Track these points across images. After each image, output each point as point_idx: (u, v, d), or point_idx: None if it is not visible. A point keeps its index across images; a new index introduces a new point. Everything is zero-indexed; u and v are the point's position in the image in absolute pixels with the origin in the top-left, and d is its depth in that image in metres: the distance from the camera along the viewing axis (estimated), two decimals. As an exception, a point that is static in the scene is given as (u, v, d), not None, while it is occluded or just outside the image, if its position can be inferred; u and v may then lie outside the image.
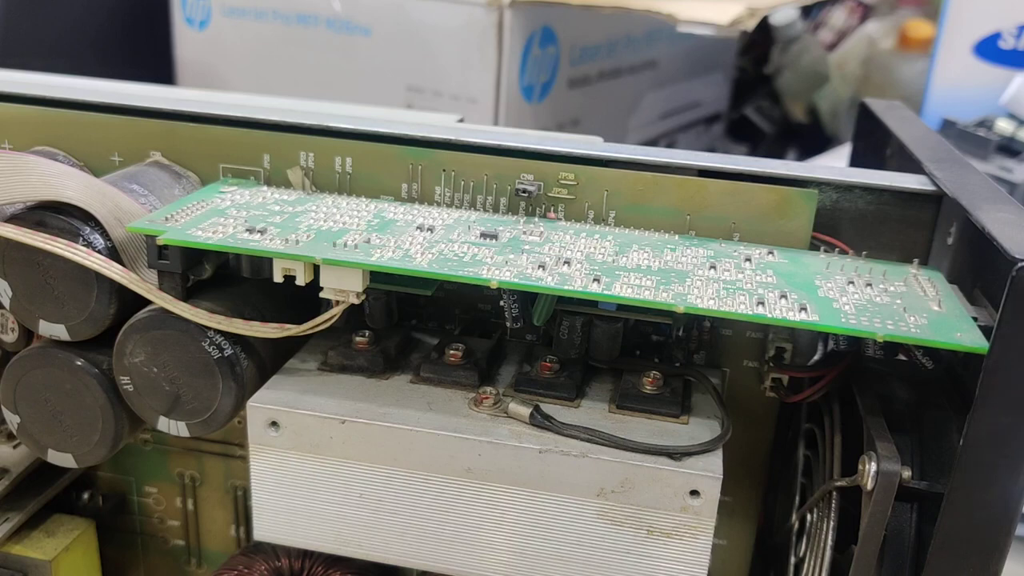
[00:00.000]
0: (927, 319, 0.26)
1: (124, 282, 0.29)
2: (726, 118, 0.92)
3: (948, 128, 0.64)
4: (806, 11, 0.93)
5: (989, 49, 0.69)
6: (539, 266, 0.28)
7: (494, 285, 0.27)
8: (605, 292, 0.26)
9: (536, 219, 0.32)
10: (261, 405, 0.30)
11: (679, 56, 0.79)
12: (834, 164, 0.59)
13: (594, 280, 0.27)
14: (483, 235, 0.30)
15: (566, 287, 0.26)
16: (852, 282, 0.28)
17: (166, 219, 0.29)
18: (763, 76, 0.96)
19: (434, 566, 0.30)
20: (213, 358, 0.30)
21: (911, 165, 0.34)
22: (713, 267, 0.29)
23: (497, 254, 0.28)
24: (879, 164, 0.41)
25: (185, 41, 0.73)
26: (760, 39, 0.94)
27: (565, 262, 0.28)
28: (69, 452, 0.32)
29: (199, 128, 0.34)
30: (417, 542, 0.30)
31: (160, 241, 0.28)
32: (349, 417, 0.29)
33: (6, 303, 0.31)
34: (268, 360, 0.32)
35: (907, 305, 0.27)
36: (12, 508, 0.36)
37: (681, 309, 0.26)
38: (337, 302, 0.29)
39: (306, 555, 0.35)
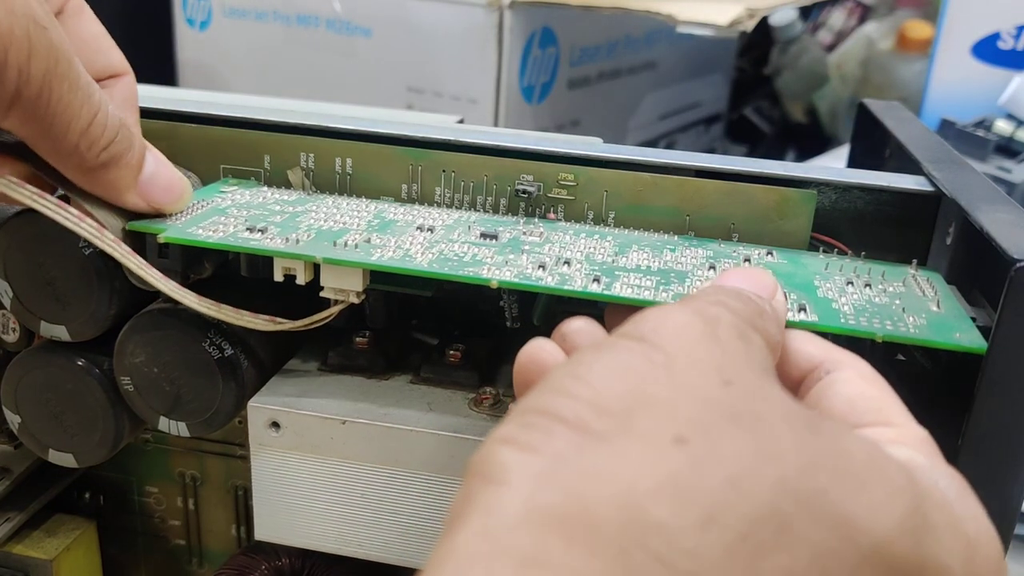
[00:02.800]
0: (926, 319, 0.26)
1: (117, 256, 0.28)
2: (725, 119, 0.92)
3: (947, 128, 0.64)
4: (805, 12, 0.93)
5: (988, 50, 0.69)
6: (539, 266, 0.27)
7: (494, 285, 0.27)
8: (605, 292, 0.26)
9: (536, 219, 0.32)
10: (262, 405, 0.30)
11: (678, 57, 0.79)
12: (833, 165, 0.59)
13: (594, 280, 0.27)
14: (483, 235, 0.29)
15: (566, 287, 0.26)
16: (851, 282, 0.28)
17: (166, 217, 0.29)
18: (762, 77, 0.96)
19: (434, 566, 0.30)
20: (213, 358, 0.30)
21: (910, 166, 0.34)
22: (712, 267, 0.29)
23: (497, 254, 0.28)
24: (878, 165, 0.41)
25: (186, 42, 0.73)
26: (759, 40, 0.94)
27: (565, 262, 0.28)
28: (70, 452, 0.32)
29: (200, 129, 0.34)
30: (418, 542, 0.30)
31: (161, 239, 0.28)
32: (350, 417, 0.29)
33: (7, 304, 0.31)
34: (268, 361, 0.32)
35: (906, 305, 0.27)
36: (13, 508, 0.36)
37: None
38: (336, 301, 0.29)
39: (306, 555, 0.35)
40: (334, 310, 0.29)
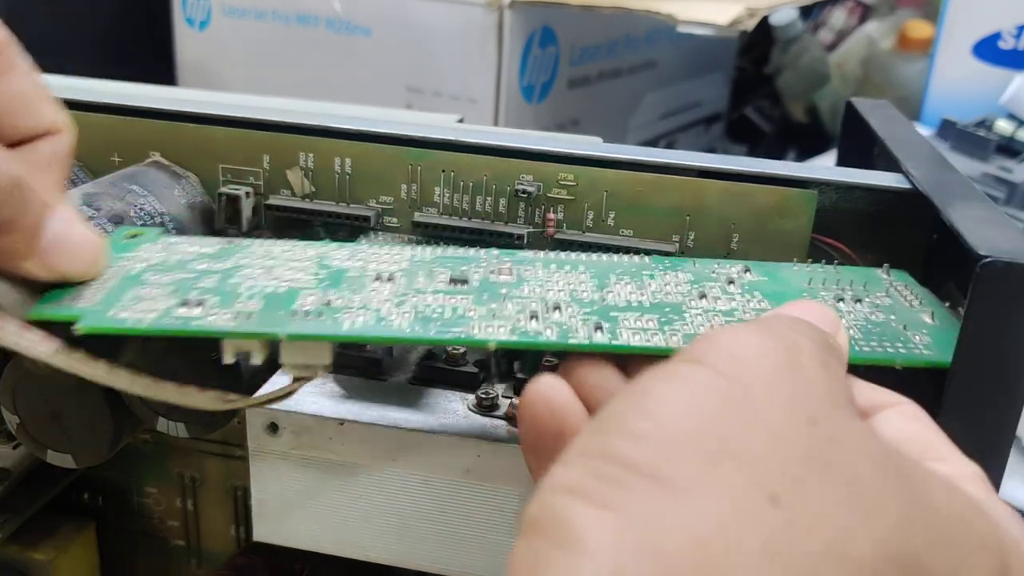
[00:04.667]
0: (929, 336, 0.25)
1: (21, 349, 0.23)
2: (726, 118, 0.92)
3: (947, 128, 0.64)
4: (806, 11, 0.93)
5: (988, 49, 0.69)
6: (530, 316, 0.25)
7: (492, 347, 0.24)
8: (614, 343, 0.24)
9: (495, 251, 0.29)
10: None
11: (679, 56, 0.79)
12: (833, 165, 0.59)
13: (596, 328, 0.24)
14: (452, 281, 0.26)
15: (571, 340, 0.24)
16: (841, 299, 0.27)
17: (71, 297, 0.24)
18: (763, 76, 0.96)
19: (433, 567, 0.30)
20: (212, 359, 0.30)
21: (894, 164, 0.34)
22: (703, 296, 0.27)
23: (476, 303, 0.25)
24: (866, 164, 0.41)
25: (185, 41, 0.73)
26: (760, 39, 0.94)
27: (555, 307, 0.25)
28: (68, 452, 0.32)
29: (199, 129, 0.34)
30: (416, 543, 0.30)
31: (79, 331, 0.23)
32: (348, 418, 0.29)
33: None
34: (267, 361, 0.32)
35: (904, 321, 0.26)
36: (12, 508, 0.36)
37: None
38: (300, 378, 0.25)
39: (305, 556, 0.35)
40: (295, 386, 0.25)
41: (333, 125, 0.33)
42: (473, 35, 0.61)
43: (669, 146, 0.81)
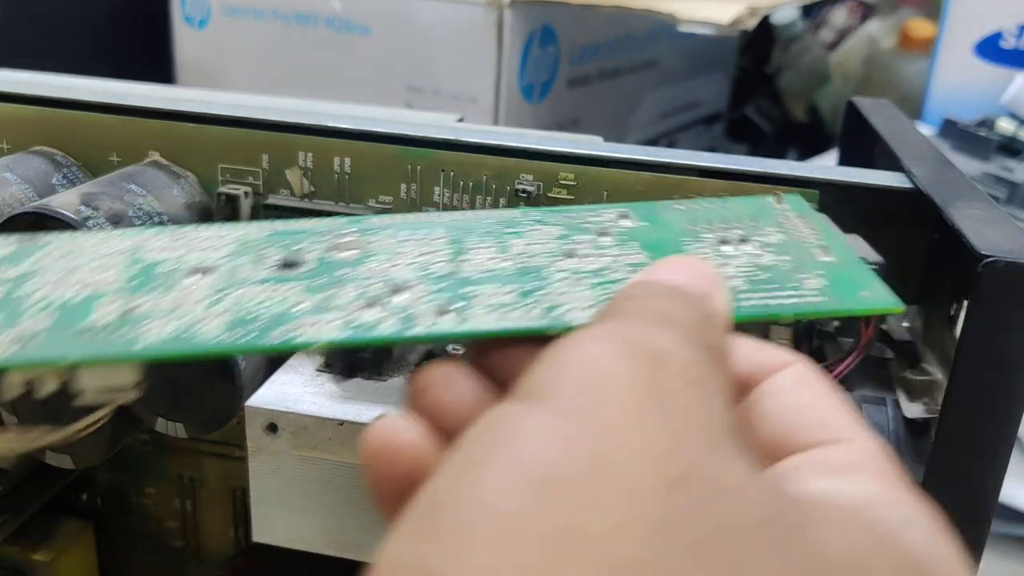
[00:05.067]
0: (824, 277, 0.22)
1: None
2: (726, 118, 0.92)
3: (949, 128, 0.64)
4: (807, 10, 0.93)
5: (990, 49, 0.69)
6: (367, 302, 0.20)
7: (312, 350, 0.20)
8: (463, 330, 0.20)
9: (341, 220, 0.24)
10: (259, 406, 0.30)
11: (679, 56, 0.79)
12: (834, 164, 0.59)
13: (442, 313, 0.20)
14: (284, 264, 0.22)
15: (412, 332, 0.20)
16: (726, 241, 0.23)
17: None
18: (764, 76, 0.96)
19: (433, 568, 0.30)
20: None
21: (895, 163, 0.34)
22: (571, 255, 0.22)
23: (308, 292, 0.21)
24: (867, 163, 0.41)
25: (184, 40, 0.73)
26: (761, 38, 0.94)
27: (399, 289, 0.21)
28: (67, 453, 0.32)
29: (198, 128, 0.34)
30: (416, 544, 0.30)
31: None
32: (347, 418, 0.29)
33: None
34: (266, 361, 0.32)
35: (797, 260, 0.22)
36: (10, 509, 0.36)
37: (557, 332, 0.19)
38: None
39: (305, 556, 0.35)
40: (103, 413, 0.23)
41: (332, 124, 0.33)
42: (473, 34, 0.61)
43: (669, 146, 0.81)
